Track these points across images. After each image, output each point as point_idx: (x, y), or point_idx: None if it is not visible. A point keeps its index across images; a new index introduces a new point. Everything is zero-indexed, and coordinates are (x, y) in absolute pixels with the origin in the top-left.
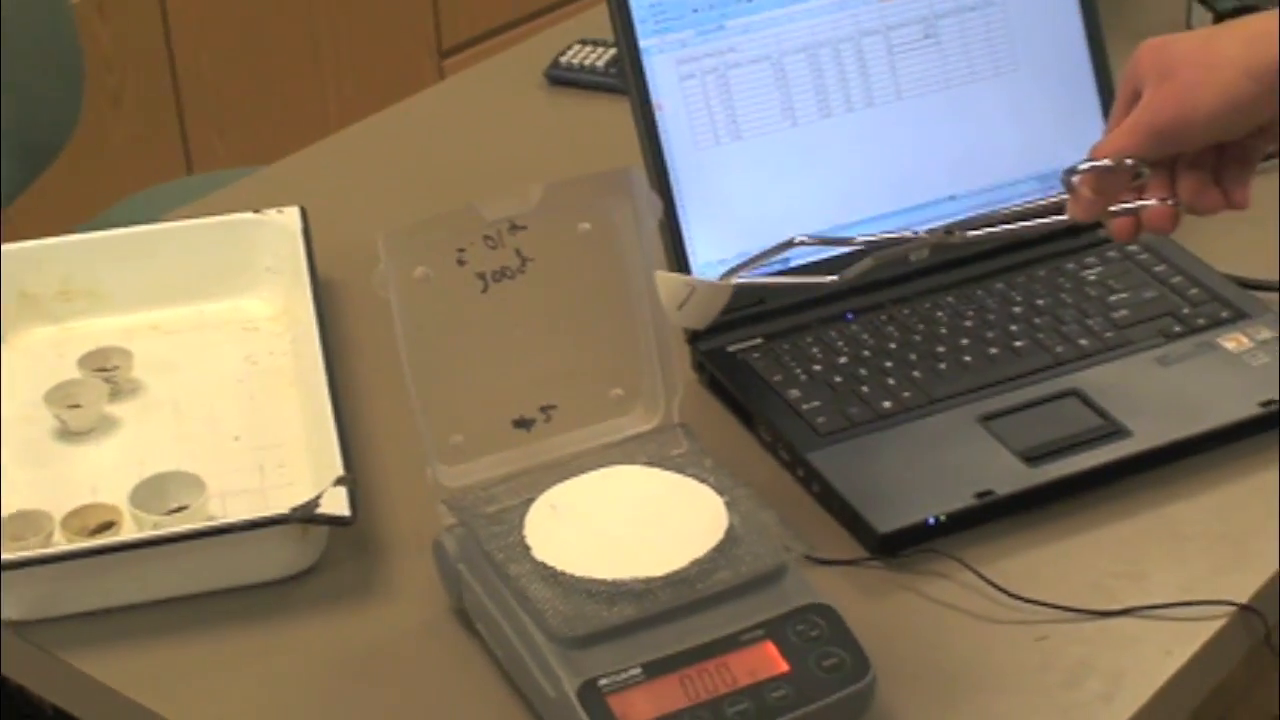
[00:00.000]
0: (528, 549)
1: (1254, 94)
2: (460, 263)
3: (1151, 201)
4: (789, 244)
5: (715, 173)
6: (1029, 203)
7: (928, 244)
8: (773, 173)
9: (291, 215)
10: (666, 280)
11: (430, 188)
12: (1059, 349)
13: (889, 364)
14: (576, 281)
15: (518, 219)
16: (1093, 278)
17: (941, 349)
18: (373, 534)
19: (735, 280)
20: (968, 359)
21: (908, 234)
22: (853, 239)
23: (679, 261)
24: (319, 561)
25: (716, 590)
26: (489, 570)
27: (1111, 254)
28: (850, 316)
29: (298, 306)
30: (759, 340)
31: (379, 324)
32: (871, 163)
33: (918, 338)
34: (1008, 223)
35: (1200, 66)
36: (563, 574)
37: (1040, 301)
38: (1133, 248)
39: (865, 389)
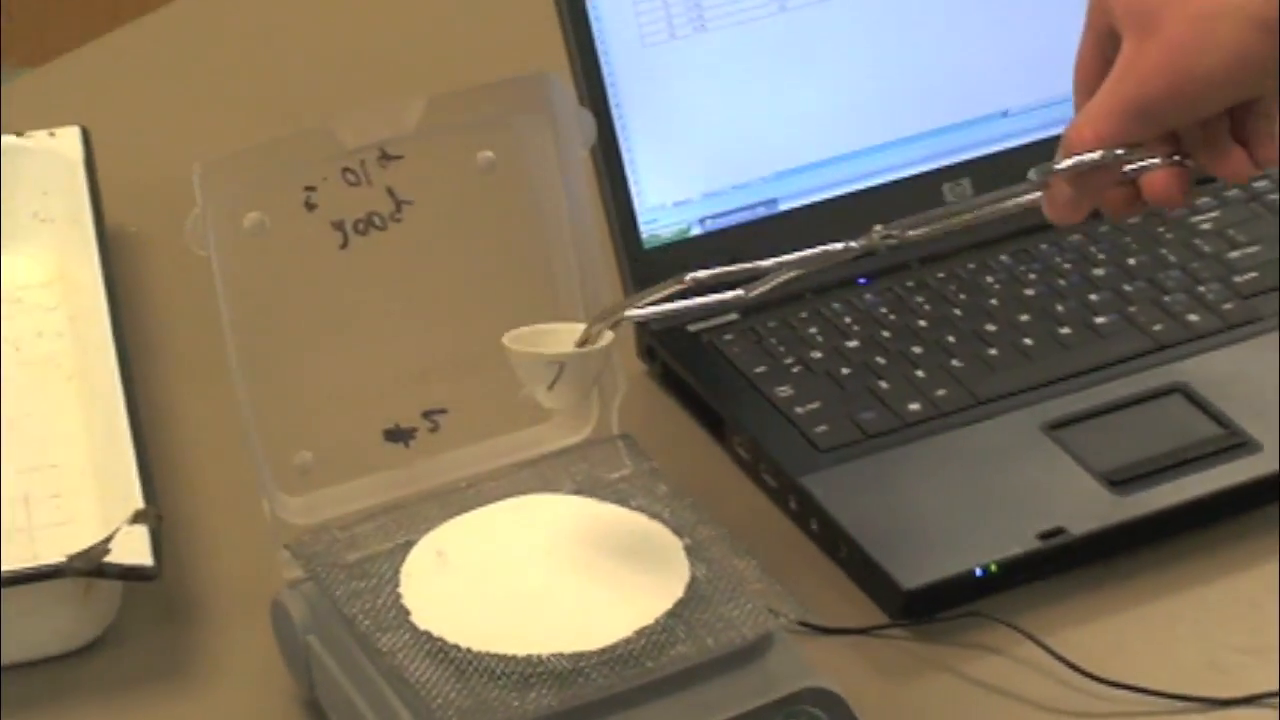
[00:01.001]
0: (406, 613)
1: (1266, 48)
2: (309, 206)
3: (1154, 161)
4: (678, 283)
5: (670, 80)
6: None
7: (862, 253)
8: (751, 79)
9: (69, 139)
10: (524, 361)
11: (266, 100)
12: (1157, 328)
13: (918, 350)
14: (473, 234)
15: (390, 145)
16: (1206, 226)
17: (992, 328)
18: (185, 592)
19: (612, 328)
20: (1029, 342)
21: (835, 246)
22: (759, 265)
23: (619, 206)
24: (108, 632)
25: (673, 671)
26: (350, 643)
27: (1232, 192)
28: (864, 281)
29: (78, 269)
30: (734, 316)
31: (194, 293)
32: (892, 64)
33: (959, 312)
34: (965, 214)
35: (1193, 19)
36: (456, 649)
37: (1132, 261)
38: (1260, 183)
39: (884, 385)
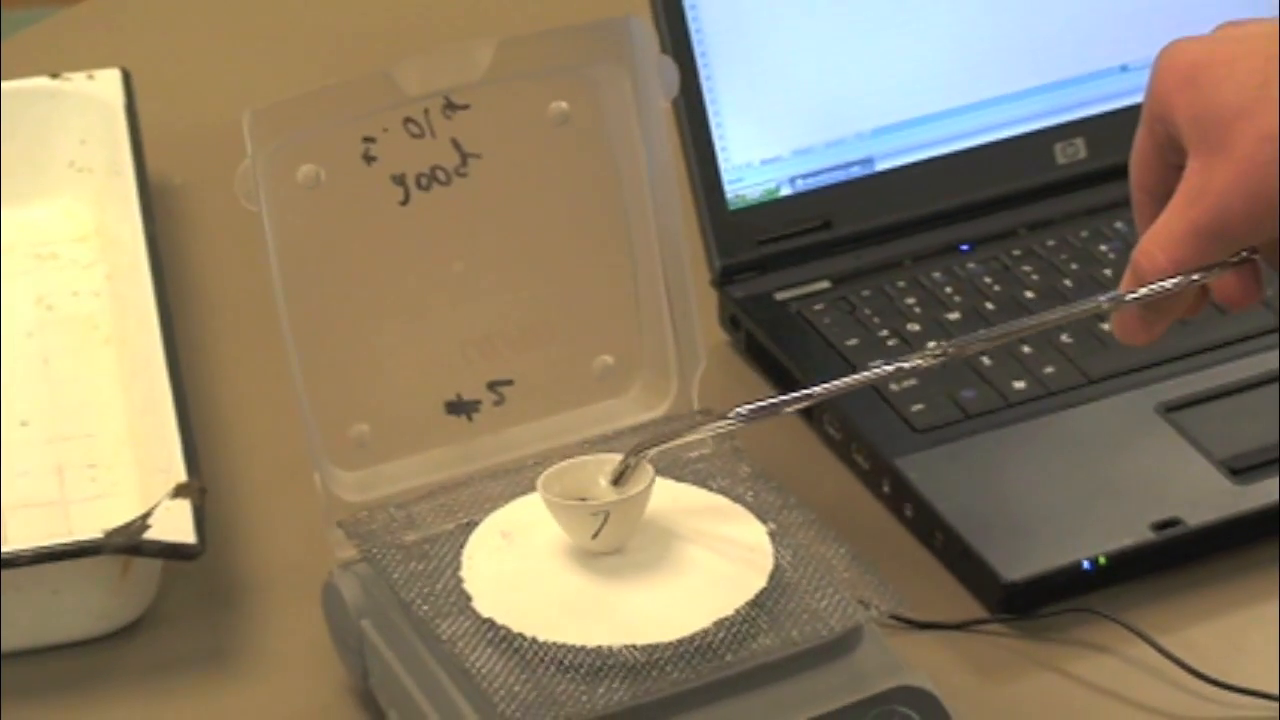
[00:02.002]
0: (467, 599)
1: None
2: (368, 158)
3: (1223, 265)
4: (724, 419)
5: (761, 26)
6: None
7: (912, 372)
8: (849, 27)
9: (109, 82)
10: (567, 514)
11: (323, 43)
12: None
13: None
14: (544, 191)
15: (456, 94)
16: None
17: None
18: (230, 572)
19: (652, 468)
20: None
21: (886, 368)
22: (811, 392)
23: (703, 163)
24: (147, 614)
25: (755, 665)
26: (407, 630)
27: None
28: (966, 249)
29: (117, 223)
30: (825, 285)
31: (243, 251)
32: (1002, 13)
33: (1069, 284)
34: (1029, 327)
35: (1265, 138)
36: (520, 637)
37: None
38: None
39: (987, 361)
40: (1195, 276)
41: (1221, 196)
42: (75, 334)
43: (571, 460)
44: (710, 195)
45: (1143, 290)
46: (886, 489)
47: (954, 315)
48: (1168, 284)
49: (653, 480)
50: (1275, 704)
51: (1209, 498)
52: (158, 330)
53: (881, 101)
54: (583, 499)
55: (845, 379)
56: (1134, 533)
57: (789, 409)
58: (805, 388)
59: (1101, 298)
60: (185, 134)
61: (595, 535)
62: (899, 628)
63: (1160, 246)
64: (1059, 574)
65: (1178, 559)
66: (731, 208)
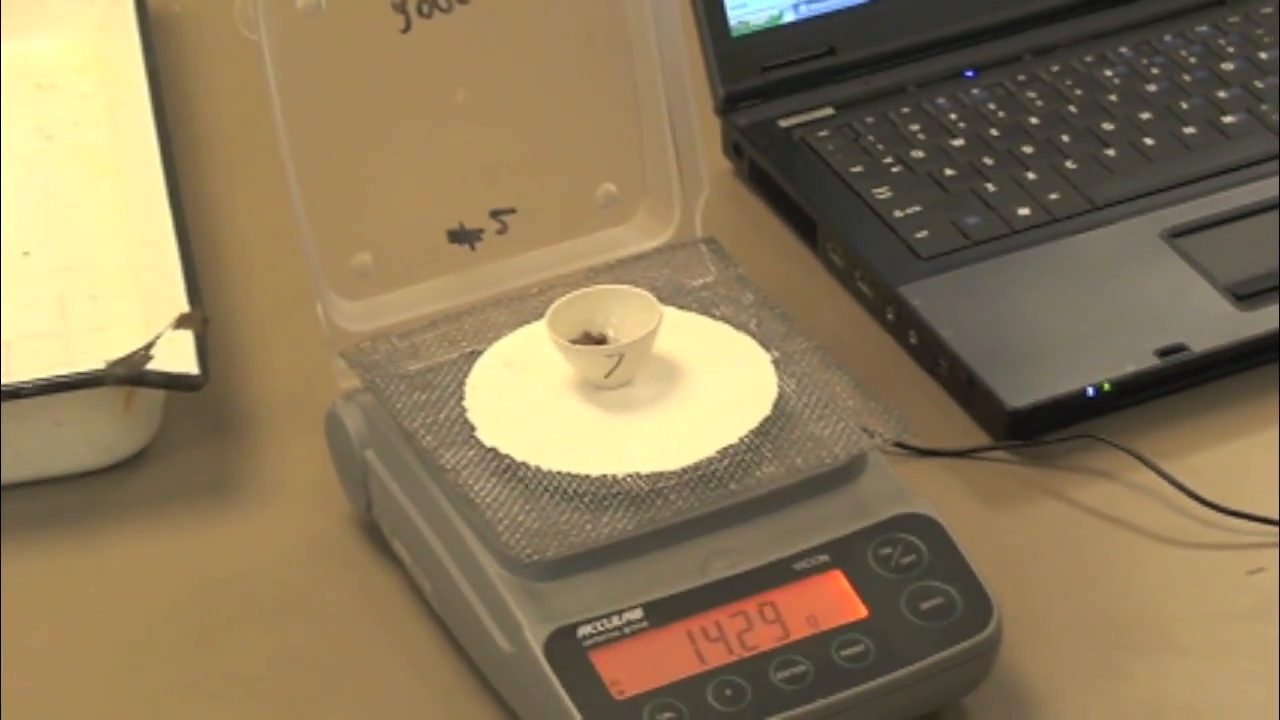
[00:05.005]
0: (471, 428)
1: None
2: None
3: None
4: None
5: None
6: None
7: None
8: None
9: None
10: (579, 357)
11: None
12: None
13: (1029, 150)
14: (547, 17)
15: None
16: None
17: (1110, 127)
18: (233, 403)
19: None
20: (1150, 143)
21: None
22: None
23: None
24: (151, 445)
25: (759, 494)
26: (411, 459)
27: None
28: (971, 75)
29: (117, 52)
30: (829, 111)
31: (243, 80)
32: None
33: (1074, 109)
34: None
35: None
36: (524, 466)
37: (1264, 55)
38: None
39: (991, 187)
40: None
41: None
42: (76, 164)
43: (576, 293)
44: (713, 22)
45: None
46: (891, 316)
47: (958, 141)
48: None
49: (662, 317)
50: (1276, 529)
51: (1213, 323)
52: (159, 161)
53: None
54: (588, 333)
55: None
56: (1138, 359)
57: None
58: (811, 216)
59: None
60: None
61: (608, 375)
62: (903, 455)
63: None
64: (1063, 400)
65: (1182, 385)
66: (734, 34)
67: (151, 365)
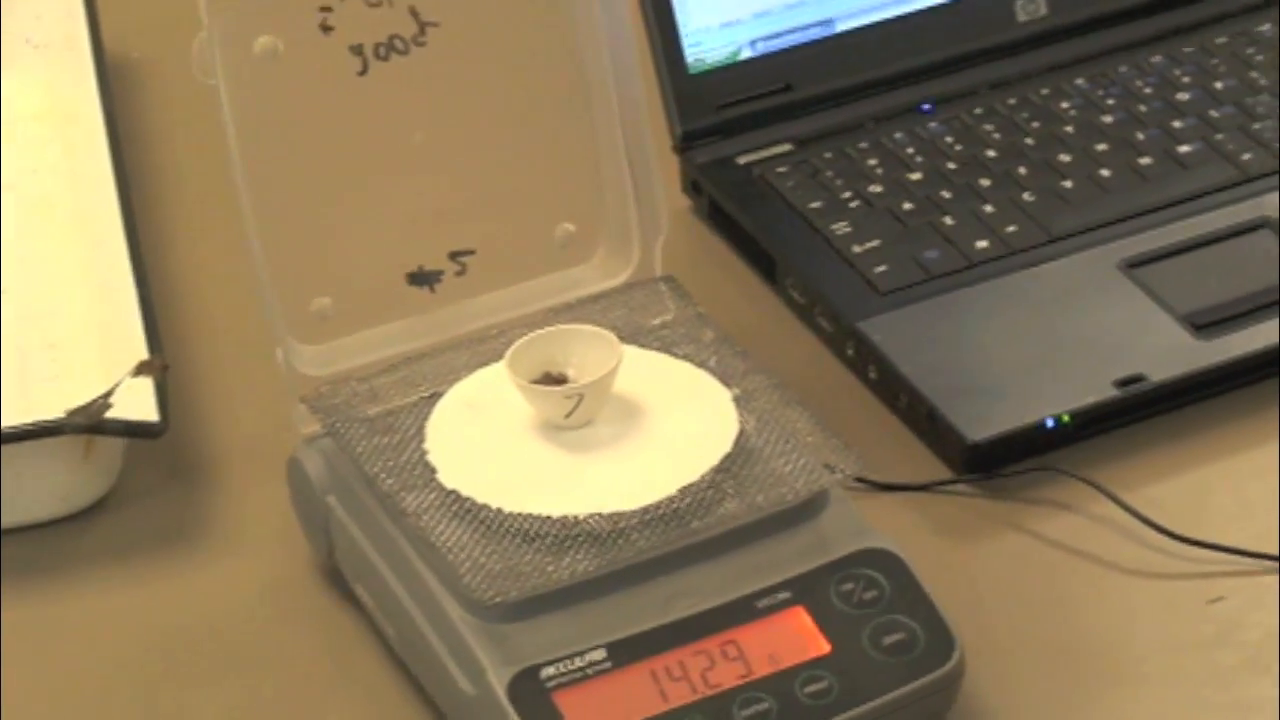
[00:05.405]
0: (432, 471)
1: None
2: (324, 28)
3: None
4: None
5: None
6: None
7: None
8: None
9: None
10: (540, 398)
11: None
12: (1246, 158)
13: (986, 183)
14: (503, 59)
15: None
16: None
17: (1066, 159)
18: (193, 450)
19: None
20: (1106, 174)
21: None
22: None
23: (662, 27)
24: (111, 494)
25: (720, 531)
26: (372, 504)
27: None
28: (928, 108)
29: (74, 100)
30: (787, 148)
31: (201, 126)
32: None
33: (1030, 142)
34: None
35: None
36: (485, 509)
37: (1219, 85)
38: None
39: (949, 221)
40: None
41: None
42: (33, 212)
43: (536, 333)
44: (670, 59)
45: None
46: (850, 352)
47: (916, 176)
48: None
49: (622, 356)
50: (1238, 558)
51: (1171, 353)
52: (117, 207)
53: None
54: (549, 373)
55: None
56: (1097, 390)
57: None
58: (770, 253)
59: None
60: (142, 7)
61: (569, 415)
62: (864, 491)
63: None
64: (1023, 433)
65: (1141, 415)
66: (691, 71)
67: (111, 413)
